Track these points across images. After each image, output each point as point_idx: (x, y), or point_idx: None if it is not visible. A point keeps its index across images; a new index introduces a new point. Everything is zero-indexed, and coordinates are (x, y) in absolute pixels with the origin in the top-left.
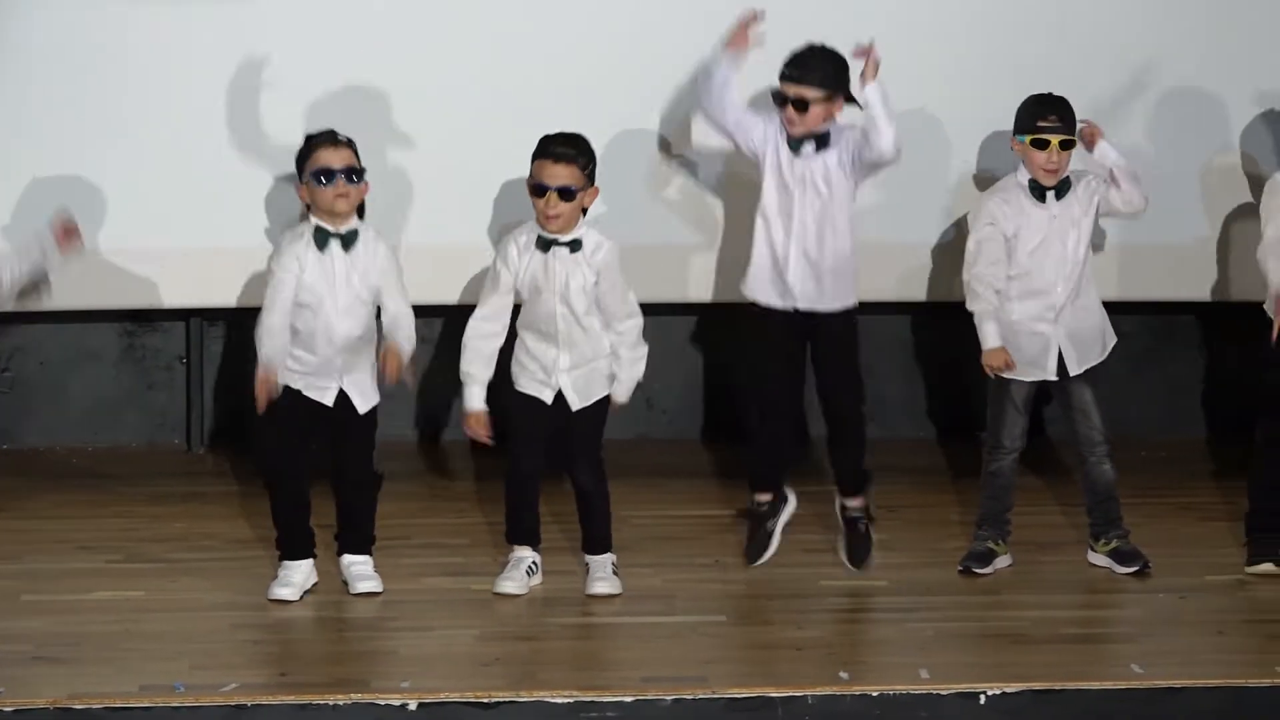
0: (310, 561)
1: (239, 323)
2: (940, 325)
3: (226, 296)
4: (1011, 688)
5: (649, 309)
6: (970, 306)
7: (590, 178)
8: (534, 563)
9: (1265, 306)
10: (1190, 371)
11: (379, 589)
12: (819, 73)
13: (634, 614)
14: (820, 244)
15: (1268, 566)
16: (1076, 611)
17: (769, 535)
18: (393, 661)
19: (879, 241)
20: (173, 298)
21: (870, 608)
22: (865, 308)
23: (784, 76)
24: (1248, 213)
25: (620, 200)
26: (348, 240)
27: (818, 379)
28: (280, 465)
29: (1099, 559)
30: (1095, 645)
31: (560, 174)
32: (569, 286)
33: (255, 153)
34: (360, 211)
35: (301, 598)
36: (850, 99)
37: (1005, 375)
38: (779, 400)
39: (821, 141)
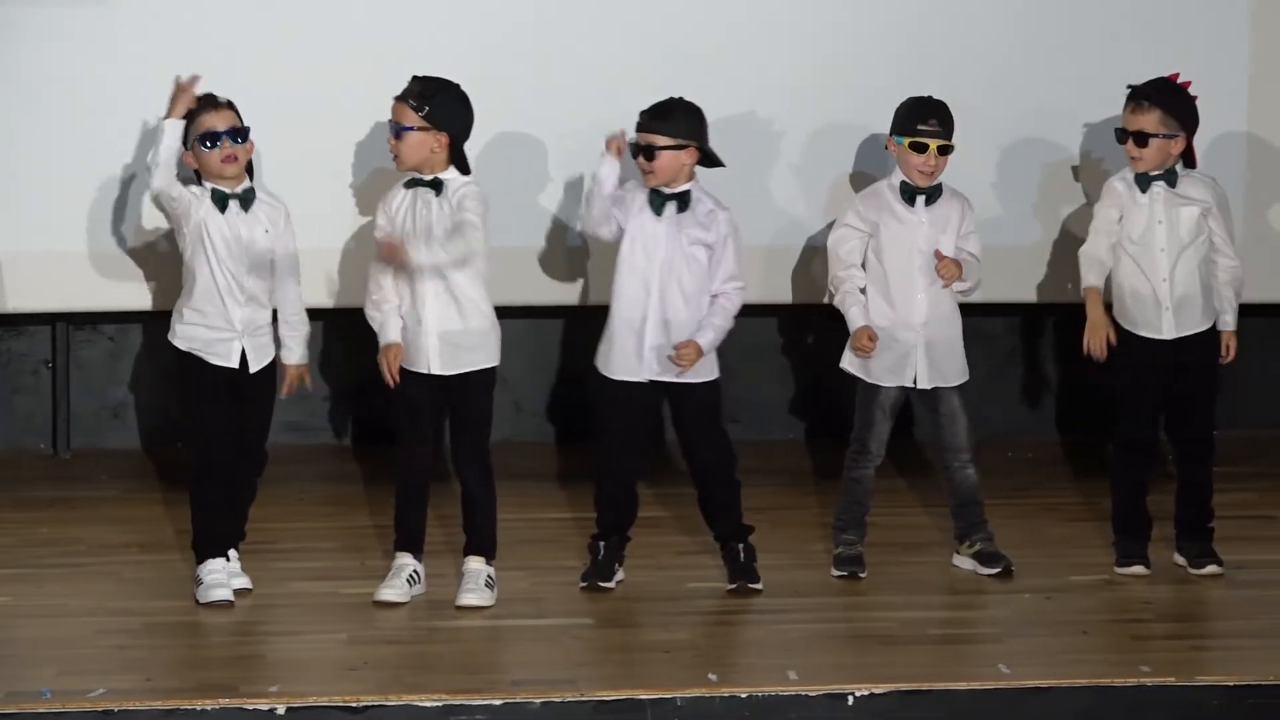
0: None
1: (106, 326)
2: (809, 327)
3: (91, 301)
4: (879, 688)
5: (520, 312)
6: (835, 302)
7: (432, 121)
8: (416, 571)
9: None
10: (1053, 372)
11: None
12: (670, 122)
13: (503, 617)
14: (682, 310)
15: (1138, 568)
16: (943, 612)
17: (613, 569)
18: (260, 666)
19: (748, 244)
20: (34, 302)
21: (738, 610)
22: (770, 310)
23: (638, 126)
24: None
25: (499, 202)
26: (245, 199)
27: (682, 443)
28: (205, 446)
29: (963, 561)
30: (962, 646)
31: (398, 112)
32: (431, 232)
33: (114, 158)
34: (250, 172)
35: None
36: (708, 157)
37: (867, 379)
38: (621, 465)
39: (683, 203)
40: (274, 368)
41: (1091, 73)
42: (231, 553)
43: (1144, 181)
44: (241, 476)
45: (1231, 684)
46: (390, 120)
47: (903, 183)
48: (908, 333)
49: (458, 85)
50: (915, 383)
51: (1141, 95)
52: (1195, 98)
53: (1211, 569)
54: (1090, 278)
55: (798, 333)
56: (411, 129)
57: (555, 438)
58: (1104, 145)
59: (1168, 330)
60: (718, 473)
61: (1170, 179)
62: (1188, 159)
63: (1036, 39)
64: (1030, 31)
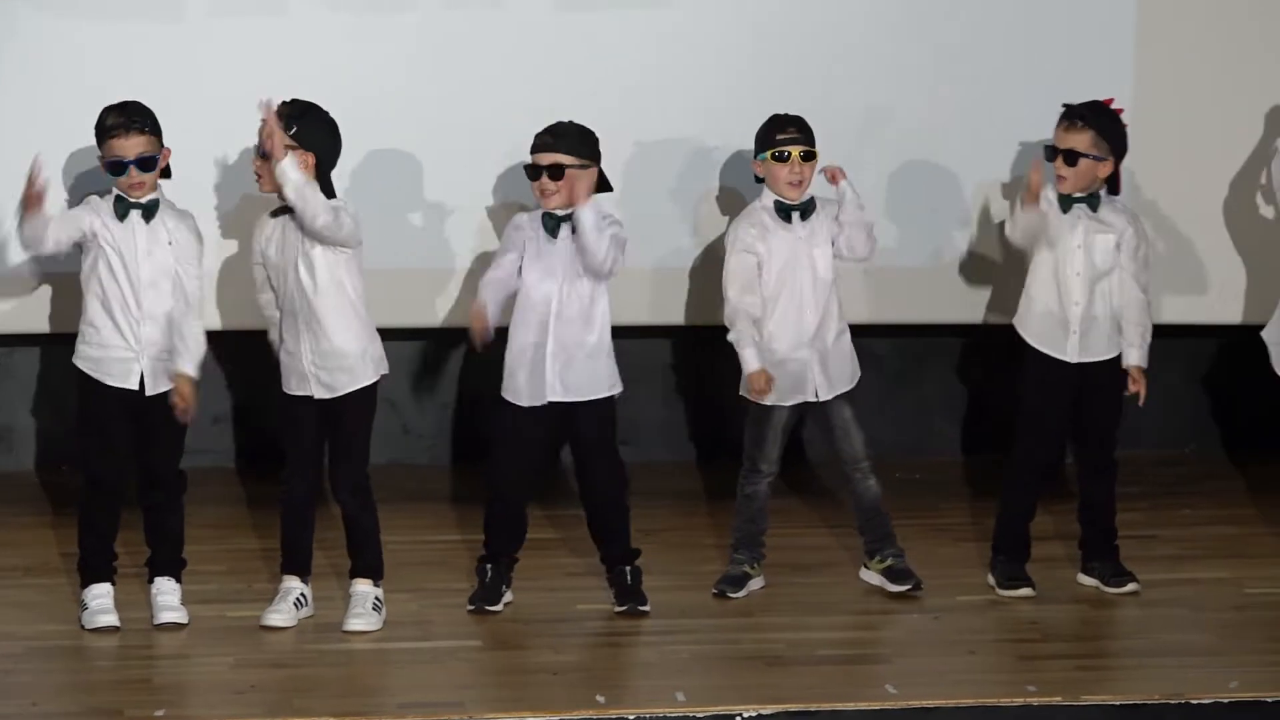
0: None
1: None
2: (698, 348)
3: None
4: (768, 709)
5: (409, 334)
6: (729, 337)
7: (300, 141)
8: (303, 594)
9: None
10: (942, 393)
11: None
12: (573, 140)
13: (391, 640)
14: (583, 331)
15: (1025, 590)
16: (832, 633)
17: (500, 591)
18: (147, 690)
19: (635, 267)
20: None
21: (627, 631)
22: (624, 331)
23: (540, 146)
24: (996, 235)
25: (386, 224)
26: (149, 210)
27: (576, 463)
28: (95, 469)
29: (872, 577)
30: (850, 666)
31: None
32: (300, 258)
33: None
34: (166, 172)
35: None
36: (600, 179)
37: (765, 402)
38: (513, 487)
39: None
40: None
41: (974, 96)
42: (165, 583)
43: (1066, 202)
44: (158, 503)
45: (1117, 703)
46: (257, 142)
47: (776, 201)
48: (802, 350)
49: (324, 109)
50: (817, 395)
51: (1076, 114)
52: (1126, 125)
53: (1131, 587)
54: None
55: (687, 354)
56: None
57: (445, 460)
58: (996, 167)
59: (1071, 354)
60: (609, 495)
61: (1093, 203)
62: (1112, 185)
63: (909, 58)
64: (901, 50)
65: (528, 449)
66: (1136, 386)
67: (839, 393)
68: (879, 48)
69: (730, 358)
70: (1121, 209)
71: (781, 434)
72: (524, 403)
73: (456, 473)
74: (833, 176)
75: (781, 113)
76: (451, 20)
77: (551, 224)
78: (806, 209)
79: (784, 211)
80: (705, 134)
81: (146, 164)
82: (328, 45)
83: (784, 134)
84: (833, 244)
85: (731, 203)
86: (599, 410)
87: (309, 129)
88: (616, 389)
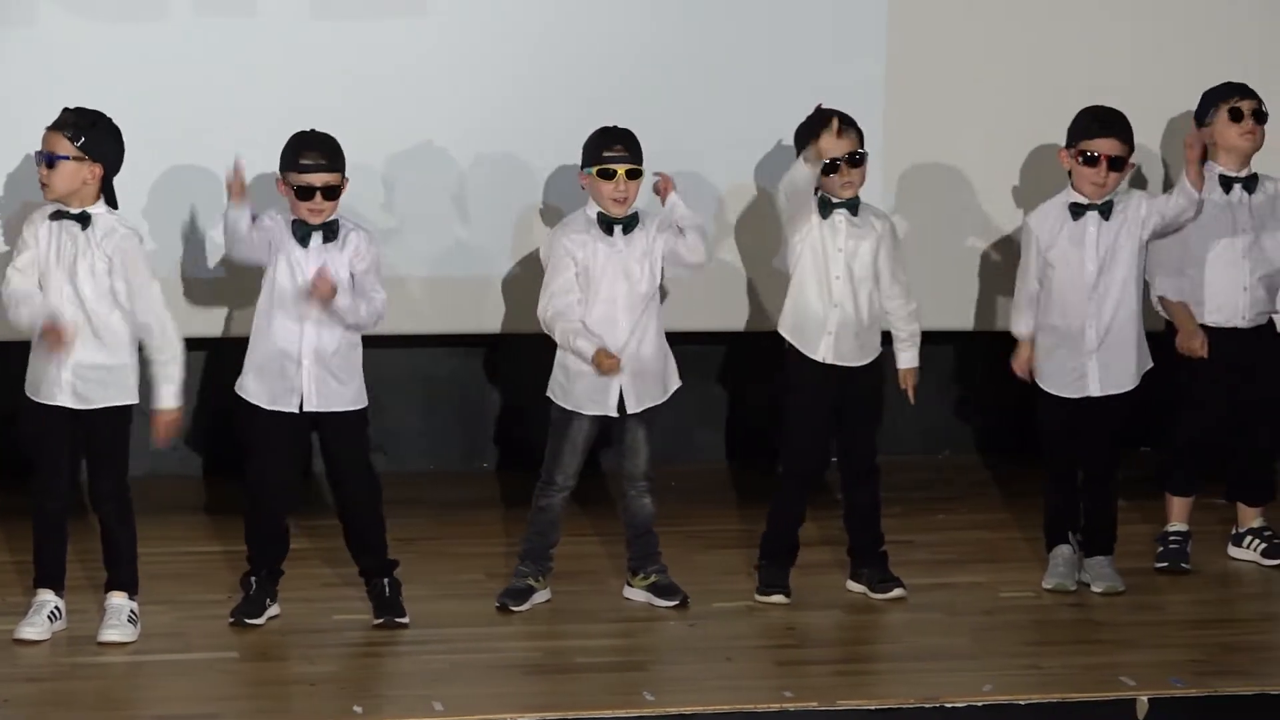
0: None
1: None
2: (506, 357)
3: None
4: (524, 718)
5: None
6: (554, 336)
7: (87, 151)
8: (57, 608)
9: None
10: (710, 400)
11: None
12: (336, 157)
13: (146, 652)
14: (339, 337)
15: (779, 597)
16: (591, 641)
17: (264, 604)
18: None
19: (449, 276)
20: None
21: (385, 641)
22: (430, 340)
23: (307, 168)
24: (770, 245)
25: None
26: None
27: (329, 474)
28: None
29: (636, 593)
30: (607, 674)
31: (51, 142)
32: (76, 267)
33: None
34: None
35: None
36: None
37: (566, 405)
38: (272, 498)
39: (330, 232)
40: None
41: (749, 102)
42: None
43: (826, 207)
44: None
45: (873, 708)
46: (41, 150)
47: (599, 214)
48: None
49: (110, 118)
50: (620, 411)
51: (842, 120)
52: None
53: (897, 592)
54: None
55: (499, 363)
56: (66, 158)
57: (200, 470)
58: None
59: (824, 354)
60: (364, 506)
61: (853, 207)
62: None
63: (724, 69)
64: (716, 63)
65: (285, 458)
66: (906, 386)
67: (641, 408)
68: (692, 58)
69: (541, 365)
70: (880, 214)
71: (581, 447)
72: (273, 408)
73: (212, 483)
74: (664, 189)
75: (610, 126)
76: (205, 28)
77: (302, 232)
78: (629, 223)
79: (606, 224)
80: (523, 147)
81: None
82: (77, 55)
83: (611, 151)
84: (664, 256)
85: (553, 216)
86: (353, 417)
87: (97, 140)
88: (364, 401)
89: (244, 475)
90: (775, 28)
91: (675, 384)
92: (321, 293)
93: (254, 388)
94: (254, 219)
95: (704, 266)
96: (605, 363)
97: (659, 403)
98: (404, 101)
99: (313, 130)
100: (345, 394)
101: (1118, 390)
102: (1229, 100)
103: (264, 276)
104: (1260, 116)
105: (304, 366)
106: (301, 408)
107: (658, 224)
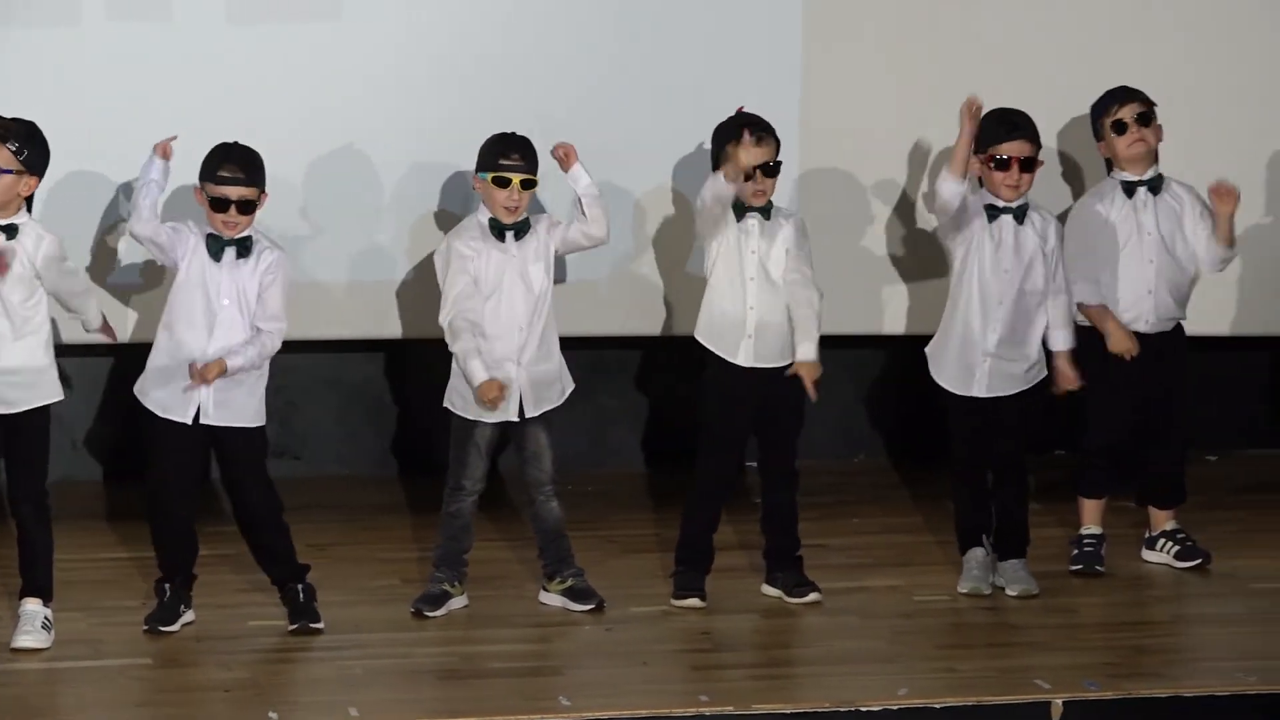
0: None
1: None
2: (410, 363)
3: None
4: None
5: (71, 350)
6: (453, 347)
7: (28, 165)
8: None
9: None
10: (621, 404)
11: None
12: (253, 170)
13: (60, 659)
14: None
15: (694, 601)
16: (506, 645)
17: (178, 611)
18: None
19: (357, 280)
20: None
21: (300, 647)
22: (336, 346)
23: (223, 180)
24: (686, 249)
25: None
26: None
27: (226, 486)
28: None
29: (553, 598)
30: (524, 679)
31: None
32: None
33: None
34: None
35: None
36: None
37: (466, 416)
38: (175, 505)
39: (243, 248)
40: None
41: (658, 107)
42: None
43: (740, 210)
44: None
45: (789, 711)
46: None
47: (491, 219)
48: (509, 366)
49: (39, 128)
50: (521, 416)
51: (760, 128)
52: None
53: (813, 597)
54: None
55: (400, 368)
56: (10, 172)
57: (101, 475)
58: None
59: (744, 358)
60: (266, 518)
61: (765, 211)
62: None
63: (639, 72)
64: (629, 66)
65: (186, 465)
66: (805, 377)
67: (539, 412)
68: (593, 59)
69: (439, 369)
70: (790, 214)
71: (485, 451)
72: (171, 417)
73: (123, 489)
74: (565, 156)
75: (508, 133)
76: (118, 33)
77: (215, 247)
78: (521, 229)
79: (498, 230)
80: (420, 150)
81: None
82: None
83: (507, 159)
84: (559, 249)
85: (446, 221)
86: (250, 432)
87: (37, 153)
88: (261, 420)
89: (144, 481)
90: (691, 32)
91: (570, 386)
92: (206, 378)
93: (153, 394)
94: (170, 225)
95: (607, 240)
96: (489, 396)
97: (556, 405)
98: (311, 106)
99: (235, 143)
100: (246, 410)
101: (1005, 393)
102: (1110, 113)
103: (172, 284)
104: (1145, 118)
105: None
106: (198, 419)
107: (547, 225)
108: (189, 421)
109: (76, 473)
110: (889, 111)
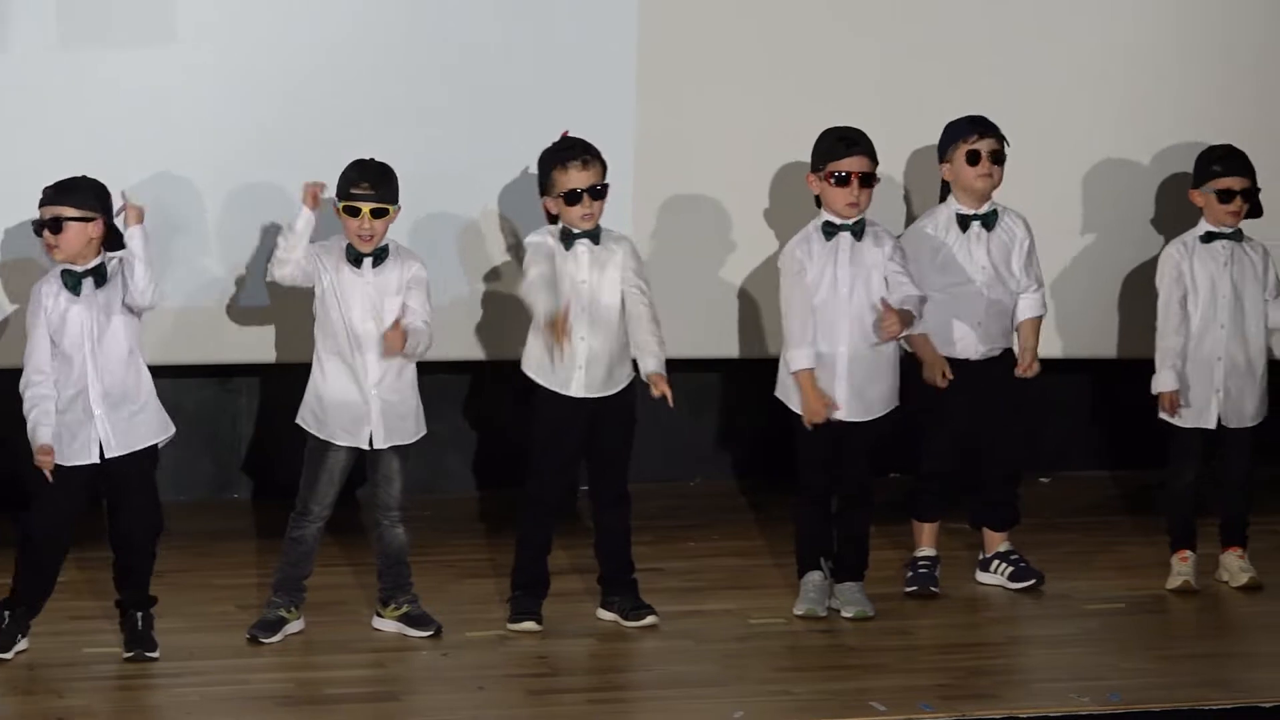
0: None
1: None
2: (256, 386)
3: None
4: None
5: None
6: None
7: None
8: None
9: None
10: (459, 429)
11: None
12: (77, 194)
13: None
14: (121, 377)
15: (530, 625)
16: (343, 671)
17: (15, 638)
18: None
19: (196, 305)
20: None
21: (136, 674)
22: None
23: (46, 200)
24: (511, 270)
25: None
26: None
27: (109, 507)
28: None
29: (387, 624)
30: (362, 704)
31: None
32: None
33: None
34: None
35: None
36: (111, 231)
37: (319, 435)
38: (51, 538)
39: (100, 277)
40: None
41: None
42: None
43: (568, 238)
44: None
45: None
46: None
47: (347, 246)
48: (360, 394)
49: None
50: (371, 444)
51: (586, 151)
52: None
53: (650, 620)
54: None
55: (271, 390)
56: None
57: None
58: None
59: (576, 389)
60: (141, 540)
61: (594, 236)
62: None
63: (473, 93)
64: (464, 86)
65: (68, 500)
66: (661, 389)
67: (389, 445)
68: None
69: (291, 395)
70: (620, 238)
71: (338, 478)
72: (67, 460)
73: None
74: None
75: (362, 159)
76: None
77: (72, 281)
78: (379, 256)
79: (354, 257)
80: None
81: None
82: None
83: (358, 189)
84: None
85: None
86: (140, 455)
87: None
88: (169, 431)
89: (17, 516)
90: (524, 53)
91: (423, 430)
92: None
93: (56, 435)
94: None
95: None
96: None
97: (408, 442)
98: (153, 129)
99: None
100: (148, 429)
101: (863, 418)
102: (968, 140)
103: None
104: (998, 157)
105: (95, 415)
106: (103, 455)
107: (418, 266)
108: (94, 461)
109: None
110: (723, 132)
